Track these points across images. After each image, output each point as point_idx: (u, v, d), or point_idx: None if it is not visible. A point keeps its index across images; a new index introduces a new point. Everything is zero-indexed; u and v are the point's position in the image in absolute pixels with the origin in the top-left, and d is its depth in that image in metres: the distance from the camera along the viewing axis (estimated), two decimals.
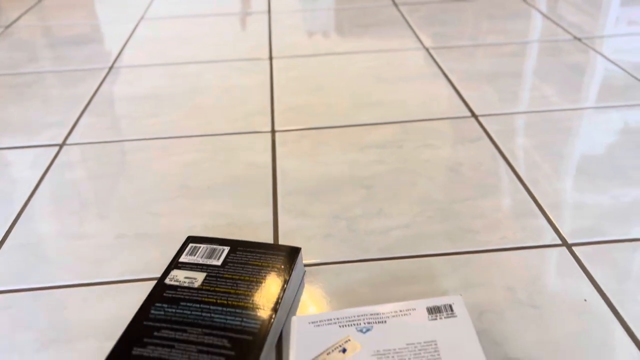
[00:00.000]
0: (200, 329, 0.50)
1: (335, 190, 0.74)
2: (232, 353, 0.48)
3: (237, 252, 0.59)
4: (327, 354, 0.47)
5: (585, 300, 0.56)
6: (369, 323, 0.50)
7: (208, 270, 0.57)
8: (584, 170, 0.76)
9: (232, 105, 0.98)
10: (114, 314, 0.57)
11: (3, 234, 0.69)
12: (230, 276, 0.56)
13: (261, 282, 0.55)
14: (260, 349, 0.48)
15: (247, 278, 0.56)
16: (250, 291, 0.54)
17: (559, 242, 0.64)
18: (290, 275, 0.56)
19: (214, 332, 0.50)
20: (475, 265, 0.61)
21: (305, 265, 0.62)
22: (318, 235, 0.66)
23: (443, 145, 0.83)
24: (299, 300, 0.57)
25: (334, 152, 0.82)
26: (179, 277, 0.56)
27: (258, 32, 1.32)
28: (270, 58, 1.17)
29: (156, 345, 0.49)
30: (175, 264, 0.58)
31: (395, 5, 1.47)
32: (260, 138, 0.87)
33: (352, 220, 0.68)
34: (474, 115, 0.91)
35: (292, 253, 0.59)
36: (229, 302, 0.53)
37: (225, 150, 0.84)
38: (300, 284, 0.59)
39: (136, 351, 0.48)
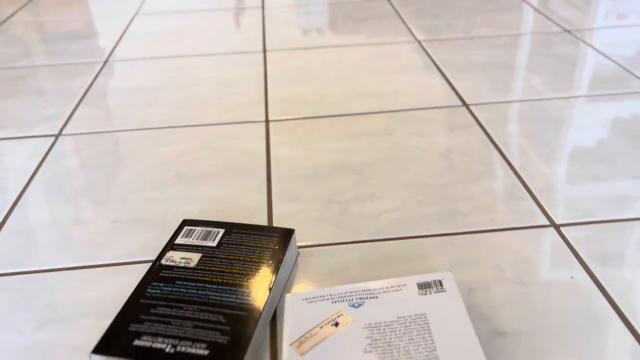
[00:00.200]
0: (196, 306, 0.51)
1: (328, 176, 0.75)
2: (227, 328, 0.49)
3: (232, 234, 0.60)
4: (320, 328, 0.48)
5: (572, 277, 0.57)
6: (360, 298, 0.51)
7: (203, 251, 0.58)
8: (573, 155, 0.78)
9: (226, 97, 0.99)
10: (111, 294, 0.58)
11: (0, 220, 0.70)
12: (225, 256, 0.57)
13: (256, 262, 0.56)
14: (255, 323, 0.49)
15: (242, 258, 0.57)
16: (245, 270, 0.55)
17: (548, 223, 0.65)
18: (284, 255, 0.57)
19: (210, 308, 0.51)
20: (464, 245, 0.62)
21: (299, 248, 0.63)
22: (312, 218, 0.67)
23: (434, 133, 0.84)
24: (293, 281, 0.58)
25: (326, 140, 0.84)
26: (174, 257, 0.57)
27: (252, 26, 1.33)
28: (264, 51, 1.18)
29: (152, 321, 0.50)
30: (171, 245, 0.59)
31: None
32: (255, 127, 0.88)
33: (345, 204, 0.70)
34: (465, 104, 0.92)
35: (286, 234, 0.60)
36: (224, 281, 0.54)
37: (219, 139, 0.85)
38: (294, 265, 0.60)
39: (133, 327, 0.49)
